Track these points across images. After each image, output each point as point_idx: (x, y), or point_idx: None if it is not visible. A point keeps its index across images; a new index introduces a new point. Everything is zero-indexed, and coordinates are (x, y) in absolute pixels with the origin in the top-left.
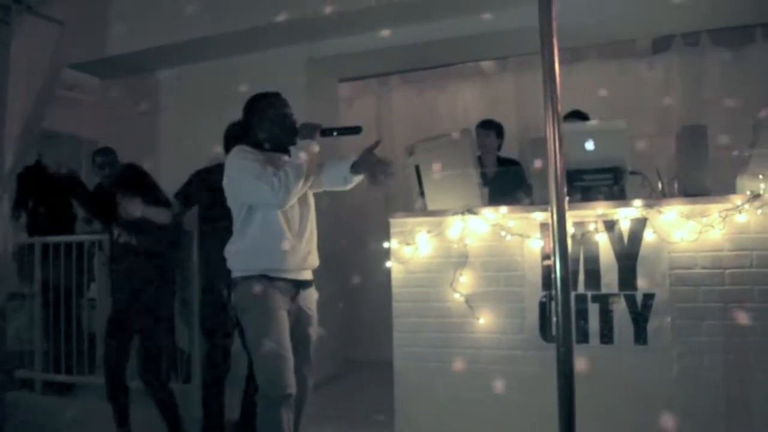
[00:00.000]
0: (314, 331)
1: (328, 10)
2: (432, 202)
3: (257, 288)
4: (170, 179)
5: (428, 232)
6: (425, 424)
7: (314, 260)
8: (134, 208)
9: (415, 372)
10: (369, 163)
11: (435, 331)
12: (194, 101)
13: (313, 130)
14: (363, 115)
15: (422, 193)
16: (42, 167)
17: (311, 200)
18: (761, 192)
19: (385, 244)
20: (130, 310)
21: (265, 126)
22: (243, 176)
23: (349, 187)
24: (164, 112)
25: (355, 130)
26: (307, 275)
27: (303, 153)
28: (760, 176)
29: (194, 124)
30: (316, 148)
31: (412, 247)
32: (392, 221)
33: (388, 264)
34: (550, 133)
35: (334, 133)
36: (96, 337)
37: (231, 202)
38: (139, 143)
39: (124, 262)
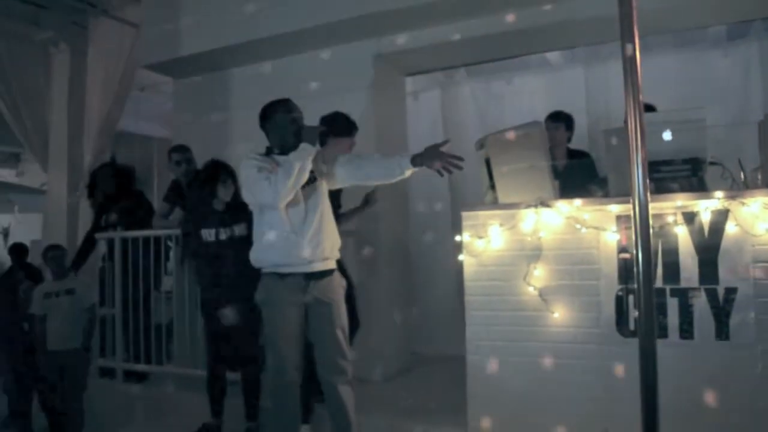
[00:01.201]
0: (337, 318)
1: (394, 5)
2: (503, 195)
3: (270, 286)
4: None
5: (501, 225)
6: (498, 417)
7: (326, 251)
8: (228, 192)
9: (488, 366)
10: (433, 155)
11: (508, 325)
12: (265, 99)
13: (314, 133)
14: (429, 109)
15: (493, 186)
16: (114, 165)
17: (321, 194)
18: None
19: (457, 238)
20: (223, 299)
21: (274, 132)
22: (246, 182)
23: (396, 179)
24: (235, 111)
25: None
26: (320, 266)
27: (296, 156)
28: None
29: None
30: (312, 151)
31: (484, 241)
32: (464, 214)
33: (461, 257)
34: (632, 123)
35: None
36: (172, 328)
37: (250, 206)
38: (211, 142)
39: (218, 256)
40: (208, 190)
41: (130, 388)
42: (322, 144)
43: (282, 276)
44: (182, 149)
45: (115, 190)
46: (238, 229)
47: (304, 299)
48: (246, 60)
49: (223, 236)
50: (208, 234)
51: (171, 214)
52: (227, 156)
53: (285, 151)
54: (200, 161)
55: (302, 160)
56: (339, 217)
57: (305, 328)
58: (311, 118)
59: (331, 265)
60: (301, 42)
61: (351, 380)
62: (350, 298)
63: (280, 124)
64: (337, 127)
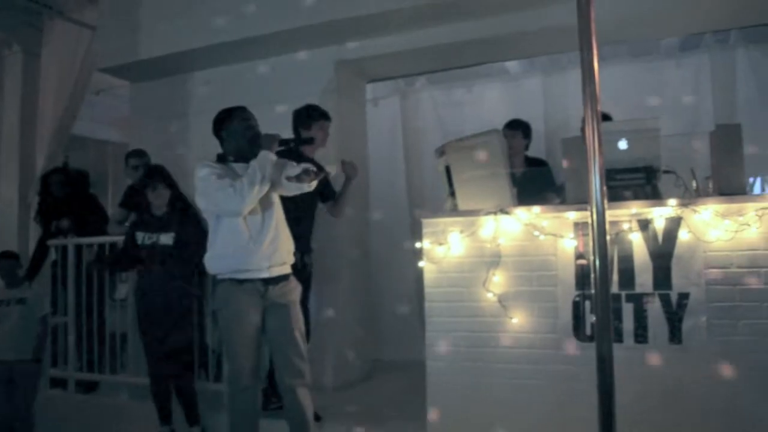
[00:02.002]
0: (295, 319)
1: (356, 12)
2: (463, 202)
3: (228, 293)
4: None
5: (461, 232)
6: (458, 423)
7: (282, 257)
8: (162, 199)
9: (447, 371)
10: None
11: (468, 331)
12: (223, 104)
13: (272, 141)
14: (389, 115)
15: (453, 194)
16: (67, 169)
17: (275, 203)
18: None
19: (417, 245)
20: (156, 309)
21: (230, 140)
22: (205, 189)
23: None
24: (194, 116)
25: (309, 141)
26: (276, 272)
27: (258, 163)
28: None
29: None
30: (272, 158)
31: (444, 247)
32: (424, 221)
33: (421, 264)
34: (590, 132)
35: (291, 144)
36: (127, 337)
37: (203, 213)
38: (169, 147)
39: (149, 261)
40: (142, 196)
41: (83, 398)
42: (305, 143)
43: (240, 282)
44: (140, 154)
45: (66, 195)
46: (165, 238)
47: (263, 304)
48: (205, 64)
49: (147, 241)
50: (139, 237)
51: (127, 220)
52: (185, 161)
53: (241, 158)
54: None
55: (265, 168)
56: (337, 202)
57: (261, 335)
58: (273, 123)
59: (287, 269)
60: (263, 47)
61: (309, 383)
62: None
63: (237, 132)
64: (318, 112)
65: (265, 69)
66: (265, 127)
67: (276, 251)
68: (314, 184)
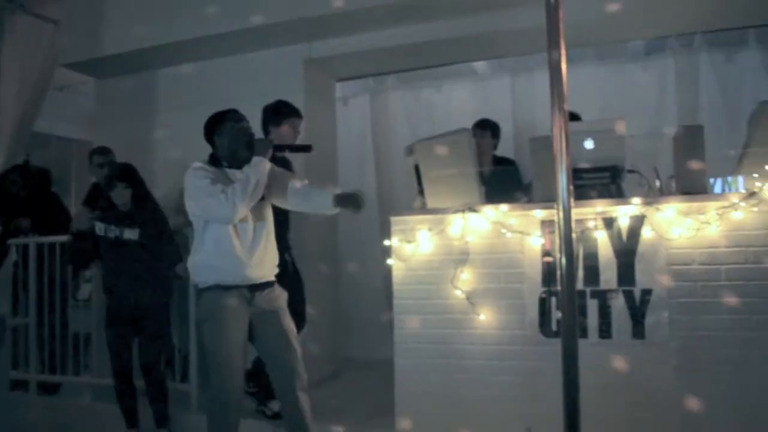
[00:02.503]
0: (287, 324)
1: (325, 10)
2: (432, 200)
3: (213, 299)
4: (165, 180)
5: (429, 229)
6: (426, 420)
7: (269, 270)
8: (123, 198)
9: (416, 369)
10: (354, 204)
11: (436, 328)
12: (191, 102)
13: (266, 147)
14: (359, 114)
15: (421, 192)
16: (27, 167)
17: (268, 214)
18: (756, 190)
19: (386, 242)
20: (125, 306)
21: (223, 144)
22: (195, 193)
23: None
24: (161, 113)
25: (306, 149)
26: (263, 279)
27: (252, 170)
28: (755, 174)
29: (190, 125)
30: (267, 166)
31: (413, 245)
32: (393, 219)
33: (390, 262)
34: (558, 132)
35: (287, 151)
36: (91, 337)
37: (190, 216)
38: (135, 144)
39: (115, 256)
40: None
41: (44, 400)
42: (301, 150)
43: (225, 288)
44: (104, 151)
45: (27, 194)
46: (129, 233)
47: (250, 311)
48: (172, 61)
49: (111, 234)
50: (99, 228)
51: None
52: (152, 159)
53: (235, 163)
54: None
55: (258, 175)
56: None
57: (247, 345)
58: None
59: (272, 277)
60: (231, 44)
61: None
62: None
63: (230, 136)
64: (289, 109)
65: (233, 66)
66: None
67: (264, 266)
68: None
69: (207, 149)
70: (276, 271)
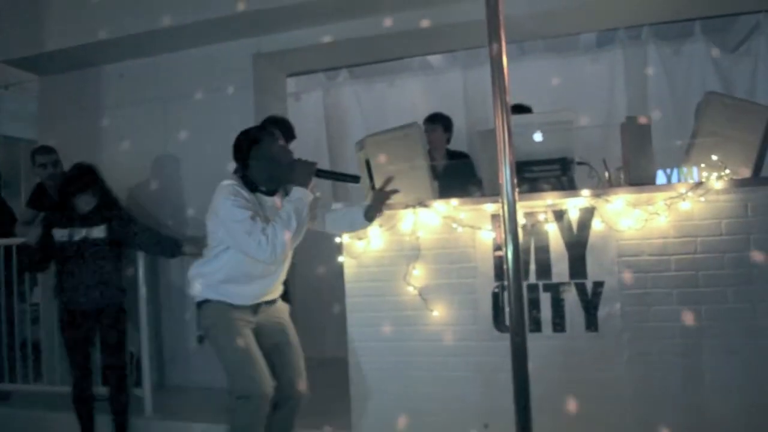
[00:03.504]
0: (292, 337)
1: (274, 3)
2: None
3: (218, 307)
4: (114, 179)
5: (380, 225)
6: (381, 418)
7: (278, 291)
8: (87, 202)
9: (370, 366)
10: (379, 202)
11: (389, 325)
12: (138, 98)
13: (309, 172)
14: (312, 109)
15: (373, 188)
16: None
17: (298, 242)
18: (703, 180)
19: (337, 239)
20: (90, 305)
21: (260, 167)
22: (231, 226)
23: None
24: (107, 110)
25: (354, 180)
26: (270, 297)
27: (294, 206)
28: (702, 165)
29: (138, 122)
30: (309, 198)
31: (364, 242)
32: None
33: (341, 259)
34: (500, 124)
35: (332, 180)
36: (40, 343)
37: (212, 233)
38: (81, 143)
39: (79, 258)
40: (67, 198)
41: None
42: (351, 180)
43: (231, 305)
44: (47, 150)
45: None
46: (96, 231)
47: (256, 321)
48: (118, 57)
49: (76, 237)
50: (60, 234)
51: (35, 220)
52: (98, 158)
53: (272, 188)
54: (69, 163)
55: (302, 214)
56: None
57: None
58: (191, 118)
59: (276, 294)
60: (178, 39)
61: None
62: None
63: (268, 157)
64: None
65: (181, 62)
66: (182, 123)
67: (273, 290)
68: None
69: (152, 147)
70: (281, 290)
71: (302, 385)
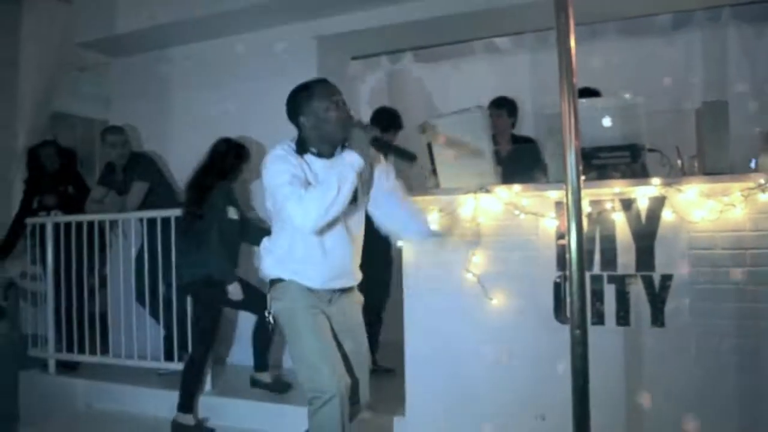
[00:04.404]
0: (362, 344)
1: None
2: (445, 180)
3: (291, 288)
4: (180, 159)
5: (440, 211)
6: (436, 404)
7: (353, 277)
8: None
9: (426, 352)
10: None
11: (447, 312)
12: (205, 80)
13: (365, 138)
14: (375, 93)
15: (434, 171)
16: (57, 144)
17: (362, 215)
18: None
19: None
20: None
21: (310, 126)
22: (277, 191)
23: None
24: (175, 91)
25: (411, 158)
26: (345, 284)
27: (337, 172)
28: None
29: (204, 104)
30: (359, 164)
31: None
32: None
33: (399, 244)
34: (566, 109)
35: (387, 154)
36: (107, 317)
37: (269, 200)
38: (151, 123)
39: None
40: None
41: (64, 379)
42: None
43: (306, 287)
44: (117, 130)
45: (55, 171)
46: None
47: (328, 312)
48: (186, 39)
49: (237, 216)
50: (233, 212)
51: (105, 198)
52: (169, 137)
53: (325, 150)
54: (143, 143)
55: (346, 182)
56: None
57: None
58: (253, 99)
59: (355, 282)
60: (244, 21)
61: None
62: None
63: (319, 116)
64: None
65: (245, 45)
66: (246, 106)
67: (349, 275)
68: None
69: (217, 129)
70: (359, 277)
71: (365, 397)
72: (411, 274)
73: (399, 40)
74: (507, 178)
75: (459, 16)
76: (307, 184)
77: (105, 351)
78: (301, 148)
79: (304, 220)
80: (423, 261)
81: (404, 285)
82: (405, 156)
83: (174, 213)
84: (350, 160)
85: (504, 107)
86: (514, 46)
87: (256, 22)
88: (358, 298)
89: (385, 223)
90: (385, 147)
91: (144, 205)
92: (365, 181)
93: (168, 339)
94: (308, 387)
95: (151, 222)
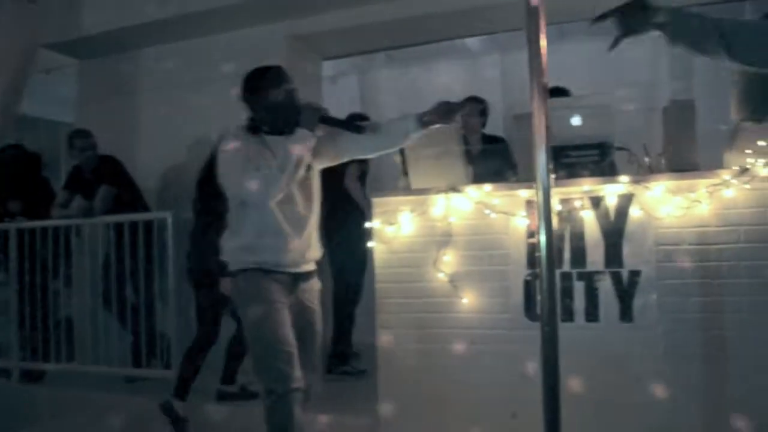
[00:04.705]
0: (319, 326)
1: None
2: (416, 180)
3: (254, 281)
4: (147, 162)
5: (411, 211)
6: (409, 404)
7: (315, 253)
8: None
9: (399, 353)
10: (448, 109)
11: (418, 312)
12: (173, 82)
13: (314, 118)
14: (347, 93)
15: (406, 172)
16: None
17: (315, 188)
18: (749, 166)
19: (368, 225)
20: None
21: (262, 108)
22: (228, 170)
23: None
24: (143, 94)
25: (357, 129)
26: (307, 267)
27: (293, 147)
28: (748, 151)
29: (173, 105)
30: (312, 142)
31: (395, 227)
32: (375, 201)
33: (371, 244)
34: (536, 108)
35: (335, 126)
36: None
37: (227, 194)
38: (118, 126)
39: None
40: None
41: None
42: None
43: (268, 272)
44: (85, 134)
45: (19, 175)
46: None
47: (291, 300)
48: (155, 41)
49: None
50: None
51: (71, 203)
52: (136, 141)
53: (276, 130)
54: (110, 146)
55: (301, 152)
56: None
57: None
58: (223, 101)
59: (314, 266)
60: (214, 22)
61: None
62: None
63: (271, 98)
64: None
65: (216, 45)
66: (216, 107)
67: (310, 247)
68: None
69: (186, 130)
70: (318, 257)
71: (314, 383)
72: (382, 274)
73: (371, 42)
74: (478, 177)
75: (430, 16)
76: (261, 160)
77: (71, 358)
78: (254, 128)
79: (264, 192)
80: (394, 260)
81: (376, 285)
82: (351, 128)
83: (141, 218)
84: (303, 135)
85: (472, 107)
86: (485, 46)
87: (226, 23)
88: (317, 283)
89: (369, 150)
90: (332, 122)
91: (111, 210)
92: (314, 154)
93: (136, 345)
94: (264, 381)
95: (119, 227)
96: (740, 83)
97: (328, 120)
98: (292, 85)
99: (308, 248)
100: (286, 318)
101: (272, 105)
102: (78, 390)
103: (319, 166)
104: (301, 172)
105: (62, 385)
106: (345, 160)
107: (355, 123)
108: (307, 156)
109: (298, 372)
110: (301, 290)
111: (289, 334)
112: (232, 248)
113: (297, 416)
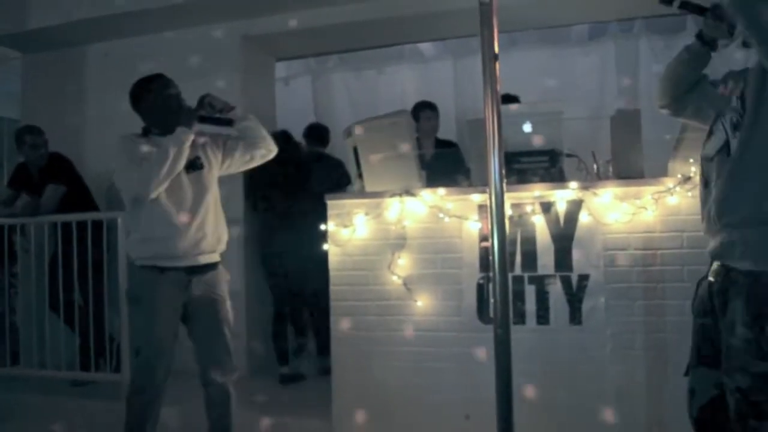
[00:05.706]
0: (223, 313)
1: None
2: (370, 183)
3: (148, 283)
4: (95, 160)
5: (366, 214)
6: (364, 408)
7: (212, 244)
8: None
9: (352, 356)
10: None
11: (373, 315)
12: (123, 79)
13: (191, 117)
14: (300, 95)
15: (360, 175)
16: None
17: (209, 182)
18: (691, 175)
19: (322, 227)
20: None
21: (149, 112)
22: (118, 167)
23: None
24: (92, 91)
25: (228, 123)
26: (205, 259)
27: (171, 141)
28: (691, 160)
29: (121, 103)
30: (190, 137)
31: (349, 230)
32: (329, 203)
33: (325, 247)
34: (489, 114)
35: (211, 123)
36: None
37: (120, 192)
38: (66, 123)
39: None
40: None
41: None
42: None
43: (162, 270)
44: (36, 130)
45: None
46: None
47: (185, 298)
48: (102, 36)
49: None
50: None
51: (15, 201)
52: (84, 138)
53: (166, 131)
54: (57, 144)
55: (178, 146)
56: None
57: (178, 331)
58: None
59: (216, 258)
60: (166, 19)
61: (235, 379)
62: None
63: (158, 103)
64: None
65: (168, 43)
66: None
67: (204, 238)
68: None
69: (135, 129)
70: (222, 249)
71: (216, 374)
72: (336, 277)
73: (325, 44)
74: (431, 181)
75: (384, 20)
76: (146, 158)
77: (15, 362)
78: (145, 131)
79: (143, 184)
80: (348, 263)
81: (330, 288)
82: (223, 122)
83: (90, 217)
84: (180, 132)
85: (429, 111)
86: (438, 52)
87: (178, 21)
88: (223, 275)
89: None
90: (208, 120)
91: (59, 209)
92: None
93: (84, 347)
94: (134, 374)
95: (66, 226)
96: None
97: (203, 119)
98: (172, 90)
99: (203, 239)
100: (169, 324)
101: (155, 109)
102: (22, 395)
103: (218, 169)
104: (181, 164)
105: (5, 390)
106: (238, 163)
107: (223, 119)
108: (186, 150)
109: (160, 377)
110: (201, 282)
111: (168, 337)
112: (131, 242)
113: (148, 411)
